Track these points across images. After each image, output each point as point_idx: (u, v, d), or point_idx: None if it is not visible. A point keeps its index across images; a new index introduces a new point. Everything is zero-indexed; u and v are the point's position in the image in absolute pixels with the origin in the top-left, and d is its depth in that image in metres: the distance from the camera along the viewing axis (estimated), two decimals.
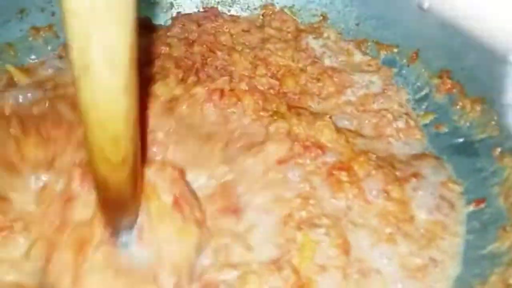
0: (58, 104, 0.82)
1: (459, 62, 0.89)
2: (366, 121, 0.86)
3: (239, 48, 0.99)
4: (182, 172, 0.67)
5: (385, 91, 0.93)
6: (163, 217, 0.61)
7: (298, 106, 0.86)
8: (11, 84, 0.90)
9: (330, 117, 0.82)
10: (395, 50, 1.01)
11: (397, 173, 0.75)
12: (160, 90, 0.84)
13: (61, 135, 0.76)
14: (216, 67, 0.94)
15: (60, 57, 0.97)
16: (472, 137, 0.82)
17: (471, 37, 0.86)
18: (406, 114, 0.89)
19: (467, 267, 0.66)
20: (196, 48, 0.98)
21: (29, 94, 0.85)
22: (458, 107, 0.87)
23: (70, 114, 0.80)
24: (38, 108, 0.83)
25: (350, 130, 0.83)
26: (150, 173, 0.62)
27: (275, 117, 0.81)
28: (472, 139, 0.82)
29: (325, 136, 0.78)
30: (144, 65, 0.93)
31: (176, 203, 0.63)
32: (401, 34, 1.00)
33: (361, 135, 0.83)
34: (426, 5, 0.93)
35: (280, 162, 0.74)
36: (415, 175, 0.75)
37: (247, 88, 0.87)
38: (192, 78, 0.88)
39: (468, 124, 0.84)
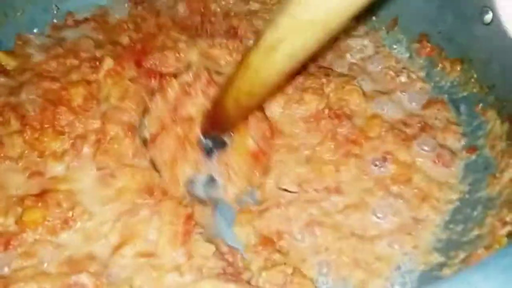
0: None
1: (437, 26, 0.94)
2: (373, 81, 0.91)
3: (233, 14, 1.01)
4: (272, 133, 0.79)
5: (378, 53, 0.97)
6: (239, 153, 0.74)
7: (325, 66, 0.92)
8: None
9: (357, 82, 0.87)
10: (374, 18, 1.05)
11: (407, 130, 0.81)
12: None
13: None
14: (218, 30, 0.95)
15: (48, 36, 0.95)
16: (454, 95, 0.88)
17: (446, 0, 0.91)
18: (405, 68, 0.94)
19: (462, 214, 0.72)
20: (189, 14, 1.00)
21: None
22: (438, 68, 0.92)
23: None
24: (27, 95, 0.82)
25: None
26: (253, 120, 0.76)
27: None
28: (454, 97, 0.88)
29: (353, 100, 0.83)
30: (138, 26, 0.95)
31: (257, 153, 0.75)
32: (378, 3, 1.04)
33: (375, 94, 0.88)
34: None
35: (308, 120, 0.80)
36: (424, 128, 0.81)
37: None
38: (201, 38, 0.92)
39: (449, 84, 0.90)
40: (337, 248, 0.68)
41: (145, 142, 0.78)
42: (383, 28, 1.03)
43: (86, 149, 0.76)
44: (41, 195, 0.69)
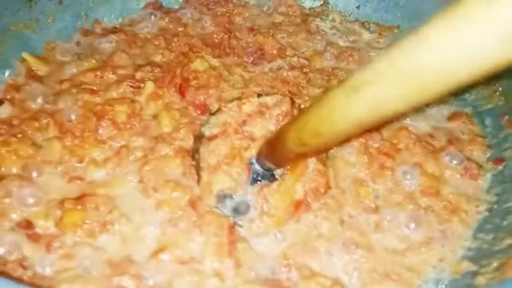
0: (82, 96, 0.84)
1: None
2: None
3: (256, 28, 1.03)
4: (327, 186, 0.75)
5: None
6: (283, 195, 0.71)
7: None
8: (31, 75, 0.89)
9: None
10: (396, 31, 1.08)
11: (434, 142, 0.83)
12: (200, 66, 0.89)
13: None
14: (243, 47, 0.97)
15: (77, 43, 0.98)
16: (479, 108, 0.90)
17: None
18: None
19: (491, 224, 0.73)
20: (213, 29, 1.02)
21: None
22: None
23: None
24: (65, 104, 0.84)
25: None
26: (312, 169, 0.73)
27: None
28: (479, 110, 0.90)
29: None
30: (168, 42, 0.97)
31: (300, 203, 0.72)
32: (401, 16, 1.07)
33: None
34: None
35: None
36: (451, 141, 0.83)
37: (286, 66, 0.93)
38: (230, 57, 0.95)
39: (473, 96, 0.92)
40: (369, 266, 0.68)
41: (200, 138, 0.79)
42: None
43: (131, 160, 0.77)
44: (80, 198, 0.71)
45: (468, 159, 0.81)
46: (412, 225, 0.72)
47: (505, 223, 0.71)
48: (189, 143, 0.79)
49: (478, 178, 0.79)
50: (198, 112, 0.85)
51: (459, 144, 0.83)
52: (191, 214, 0.70)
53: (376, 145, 0.81)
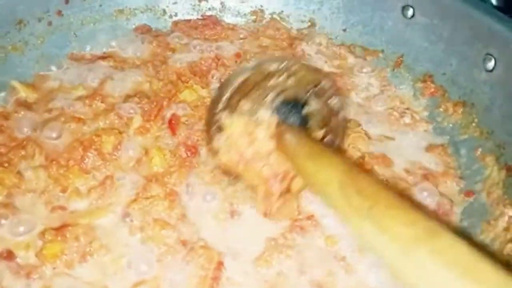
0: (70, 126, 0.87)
1: (441, 67, 0.97)
2: (378, 122, 0.95)
3: (243, 55, 1.05)
4: None
5: (384, 91, 1.02)
6: None
7: None
8: (20, 102, 0.92)
9: (362, 128, 0.90)
10: (381, 55, 1.09)
11: (409, 178, 0.84)
12: (188, 96, 0.91)
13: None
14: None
15: (66, 69, 1.00)
16: (455, 137, 0.92)
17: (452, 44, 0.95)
18: (408, 109, 0.98)
19: None
20: (200, 55, 1.04)
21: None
22: (441, 109, 0.96)
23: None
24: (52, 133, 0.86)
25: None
26: None
27: None
28: (456, 140, 0.91)
29: (360, 145, 0.87)
30: (156, 70, 0.99)
31: None
32: (386, 40, 1.08)
33: (379, 139, 0.91)
34: (409, 13, 1.01)
35: None
36: (426, 176, 0.84)
37: None
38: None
39: (451, 125, 0.93)
40: None
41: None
42: (389, 66, 1.07)
43: (116, 192, 0.79)
44: (61, 229, 0.73)
45: (442, 194, 0.82)
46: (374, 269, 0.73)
47: None
48: (180, 187, 0.80)
49: (451, 214, 0.80)
50: (188, 154, 0.84)
51: (433, 178, 0.84)
52: (180, 249, 0.72)
53: None
